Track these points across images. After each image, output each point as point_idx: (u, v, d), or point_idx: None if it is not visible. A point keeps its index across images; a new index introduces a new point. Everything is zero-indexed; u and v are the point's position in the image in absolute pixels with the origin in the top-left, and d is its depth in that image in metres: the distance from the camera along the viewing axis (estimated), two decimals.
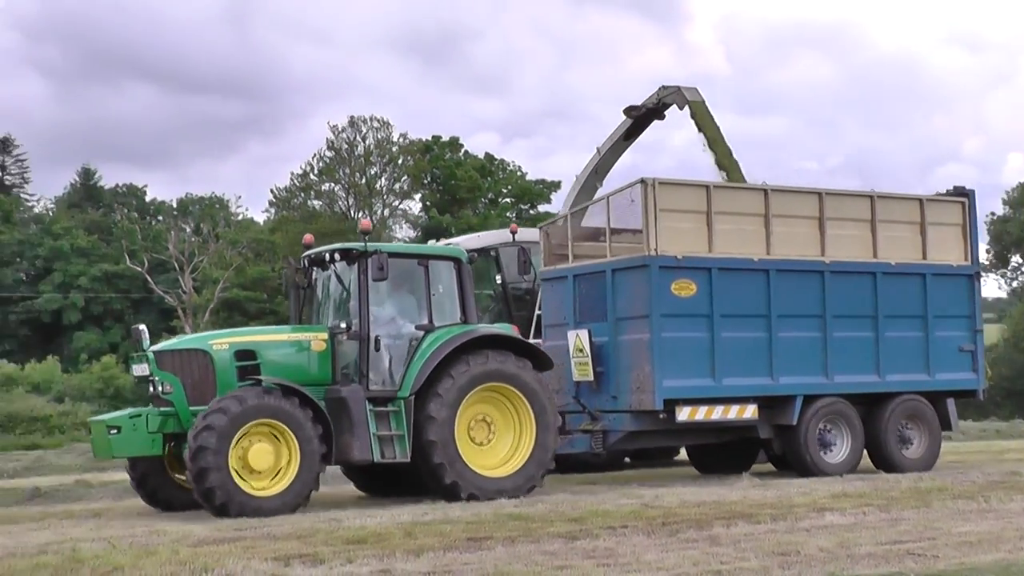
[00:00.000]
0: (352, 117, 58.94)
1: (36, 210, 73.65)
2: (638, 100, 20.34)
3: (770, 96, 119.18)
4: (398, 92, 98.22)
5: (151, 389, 13.36)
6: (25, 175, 76.17)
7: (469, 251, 16.23)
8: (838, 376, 16.25)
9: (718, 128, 19.61)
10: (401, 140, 59.59)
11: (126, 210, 71.49)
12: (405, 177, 59.61)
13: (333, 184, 59.39)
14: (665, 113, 20.41)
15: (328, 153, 58.58)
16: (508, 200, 61.66)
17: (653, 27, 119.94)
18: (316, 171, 58.82)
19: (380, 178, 59.36)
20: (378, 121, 59.04)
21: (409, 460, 13.59)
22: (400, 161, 59.20)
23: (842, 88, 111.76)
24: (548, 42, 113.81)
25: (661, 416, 15.18)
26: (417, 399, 13.60)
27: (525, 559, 9.40)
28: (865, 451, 16.74)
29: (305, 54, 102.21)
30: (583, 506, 12.63)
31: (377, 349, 13.81)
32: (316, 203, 59.40)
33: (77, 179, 75.91)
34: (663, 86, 20.07)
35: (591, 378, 15.83)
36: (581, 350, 15.97)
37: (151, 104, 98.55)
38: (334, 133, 58.40)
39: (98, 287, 61.63)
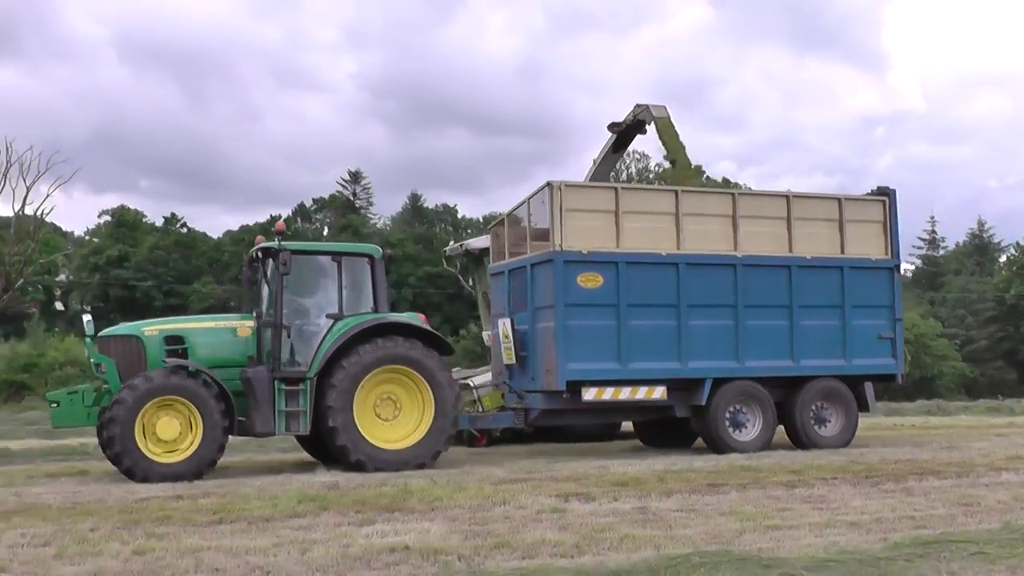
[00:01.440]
0: None
1: (378, 226, 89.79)
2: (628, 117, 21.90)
3: (959, 127, 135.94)
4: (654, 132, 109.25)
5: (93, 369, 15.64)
6: (370, 199, 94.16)
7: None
8: (750, 361, 17.55)
9: (679, 142, 20.94)
10: (656, 168, 73.14)
11: (443, 224, 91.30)
12: None
13: None
14: (646, 128, 21.80)
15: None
16: None
17: (862, 72, 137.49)
18: None
19: None
20: (639, 154, 74.84)
21: (309, 432, 15.56)
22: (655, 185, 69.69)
23: (1019, 119, 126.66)
24: (776, 87, 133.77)
25: (564, 396, 16.80)
26: (321, 379, 15.47)
27: (754, 502, 11.62)
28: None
29: (584, 102, 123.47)
30: (801, 460, 15.44)
31: (289, 335, 15.70)
32: None
33: (408, 201, 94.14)
34: (637, 104, 21.53)
35: (514, 361, 17.59)
36: (507, 337, 17.72)
37: (465, 143, 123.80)
38: None
39: (422, 285, 73.71)
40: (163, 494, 12.73)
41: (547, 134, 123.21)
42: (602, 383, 16.79)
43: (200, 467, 14.77)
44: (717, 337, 17.45)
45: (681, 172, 20.62)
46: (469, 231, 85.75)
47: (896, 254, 18.75)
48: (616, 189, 17.25)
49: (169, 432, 14.73)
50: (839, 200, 18.69)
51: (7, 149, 43.15)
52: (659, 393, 17.08)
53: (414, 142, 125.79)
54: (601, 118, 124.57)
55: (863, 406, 18.53)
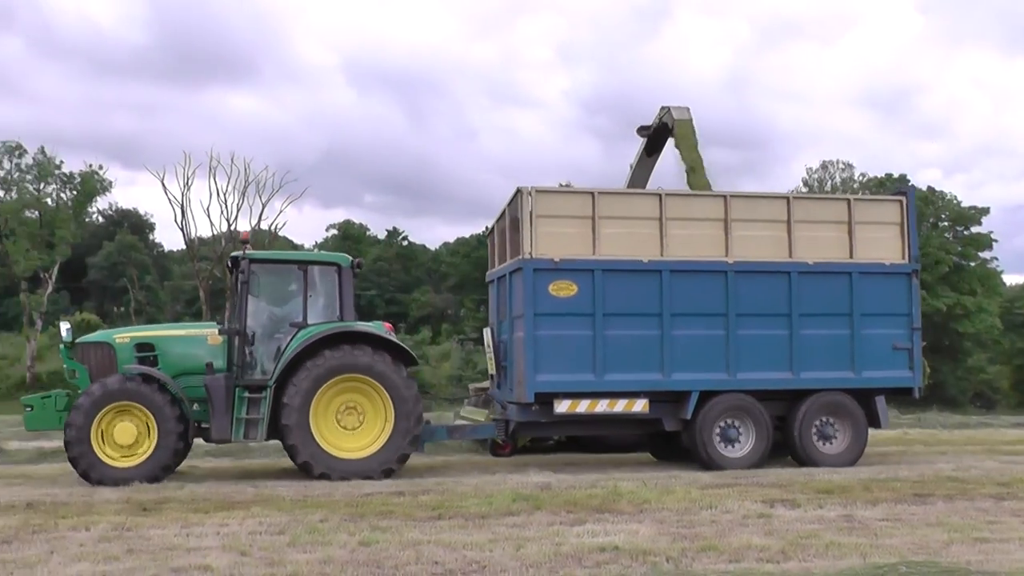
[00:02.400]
0: (823, 161, 75.66)
1: None
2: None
3: None
4: (860, 139, 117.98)
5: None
6: None
7: None
8: (742, 373, 16.61)
9: (697, 151, 20.05)
10: (860, 178, 72.27)
11: None
12: None
13: None
14: (648, 128, 20.96)
15: (803, 189, 71.47)
16: (946, 223, 67.74)
17: None
18: None
19: None
20: (843, 164, 74.85)
21: (266, 440, 15.52)
22: (859, 194, 71.07)
23: None
24: (985, 92, 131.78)
25: (533, 408, 16.25)
26: (280, 387, 15.42)
27: (961, 513, 11.75)
28: None
29: (789, 112, 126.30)
30: (1010, 473, 15.48)
31: (252, 343, 15.77)
32: None
33: None
34: (662, 107, 20.77)
35: (495, 372, 17.11)
36: (489, 347, 17.26)
37: (673, 155, 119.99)
38: (808, 174, 74.04)
39: None
40: (386, 490, 13.75)
41: (753, 144, 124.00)
42: (576, 395, 16.15)
43: (155, 472, 14.99)
44: (705, 348, 16.56)
45: (696, 182, 19.71)
46: None
47: (914, 258, 17.40)
48: (593, 194, 16.53)
49: (126, 437, 15.06)
50: (848, 201, 17.46)
51: (245, 169, 46.66)
52: (640, 406, 16.33)
53: (624, 156, 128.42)
54: (806, 127, 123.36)
55: (874, 422, 17.30)
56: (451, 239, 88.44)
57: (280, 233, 52.42)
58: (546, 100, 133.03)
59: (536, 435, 18.14)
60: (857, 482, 14.19)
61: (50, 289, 57.67)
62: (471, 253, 74.11)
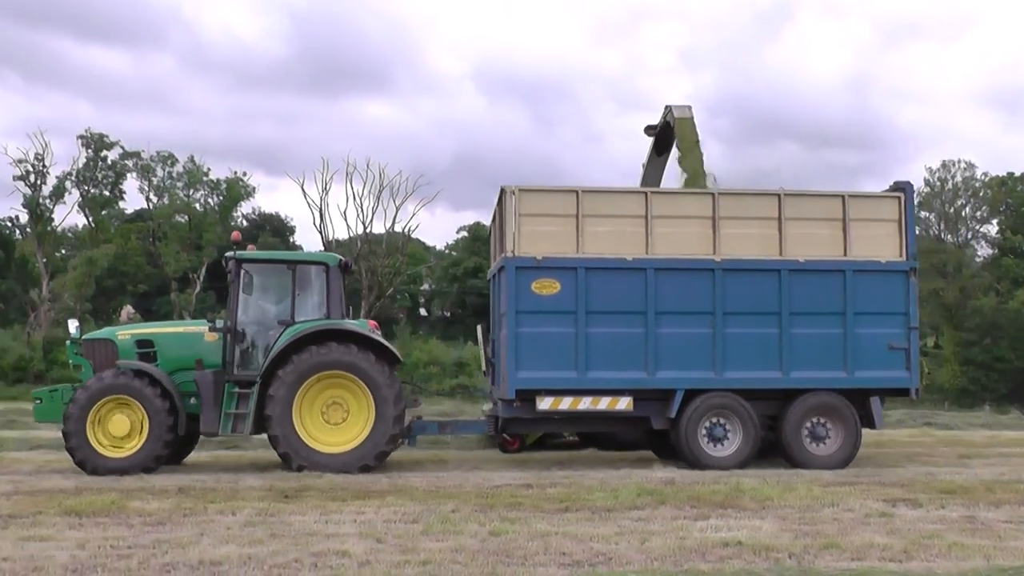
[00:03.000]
0: (944, 161, 74.36)
1: None
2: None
3: None
4: (982, 138, 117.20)
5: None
6: None
7: None
8: (729, 372, 16.50)
9: (697, 149, 19.92)
10: (983, 177, 73.04)
11: None
12: (984, 207, 73.40)
13: (928, 213, 72.79)
14: (655, 127, 20.85)
15: (925, 189, 71.95)
16: None
17: None
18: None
19: (965, 207, 73.83)
20: (965, 163, 73.88)
21: (252, 433, 15.99)
22: (981, 194, 73.00)
23: None
24: None
25: (515, 405, 16.41)
26: (266, 382, 15.88)
27: None
28: None
29: (910, 112, 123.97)
30: None
31: (243, 340, 16.27)
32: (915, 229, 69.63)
33: None
34: (666, 106, 20.69)
35: (486, 368, 17.33)
36: (480, 343, 17.49)
37: (794, 156, 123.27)
38: (928, 174, 73.51)
39: None
40: (515, 483, 14.34)
41: (874, 145, 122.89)
42: (559, 392, 16.25)
43: (146, 462, 15.60)
44: (691, 346, 16.49)
45: (690, 180, 19.61)
46: None
47: (912, 256, 17.05)
48: (577, 192, 16.61)
49: (120, 429, 15.71)
50: (843, 197, 17.16)
51: (380, 174, 48.50)
52: (624, 404, 16.36)
53: (745, 156, 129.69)
54: (927, 127, 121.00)
55: (869, 423, 17.03)
56: None
57: (413, 235, 53.87)
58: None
59: (527, 431, 18.26)
60: (979, 483, 14.21)
61: (198, 288, 60.61)
62: None
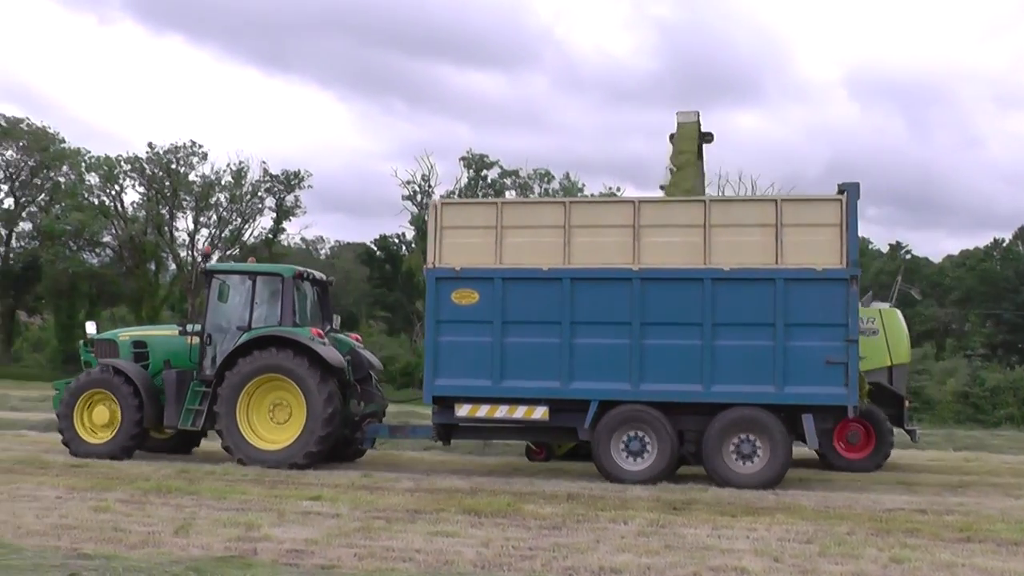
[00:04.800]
0: None
1: None
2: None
3: None
4: None
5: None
6: None
7: None
8: (646, 384, 16.15)
9: (694, 152, 19.29)
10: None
11: None
12: None
13: None
14: (709, 134, 20.24)
15: None
16: None
17: None
18: None
19: None
20: None
21: (201, 428, 17.69)
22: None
23: None
24: None
25: (434, 411, 16.94)
26: (218, 382, 17.53)
27: None
28: None
29: None
30: None
31: (210, 343, 18.00)
32: None
33: None
34: (676, 112, 20.27)
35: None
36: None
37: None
38: None
39: None
40: (908, 507, 14.04)
41: None
42: (476, 400, 16.65)
43: (115, 449, 17.71)
44: (607, 357, 16.30)
45: (675, 181, 18.98)
46: None
47: (853, 262, 15.85)
48: (497, 204, 16.94)
49: (101, 419, 18.03)
50: (776, 202, 16.27)
51: (752, 185, 51.66)
52: (540, 413, 16.50)
53: None
54: None
55: (803, 441, 16.03)
56: (955, 251, 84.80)
57: None
58: None
59: (461, 438, 18.55)
60: None
61: None
62: (977, 266, 71.93)
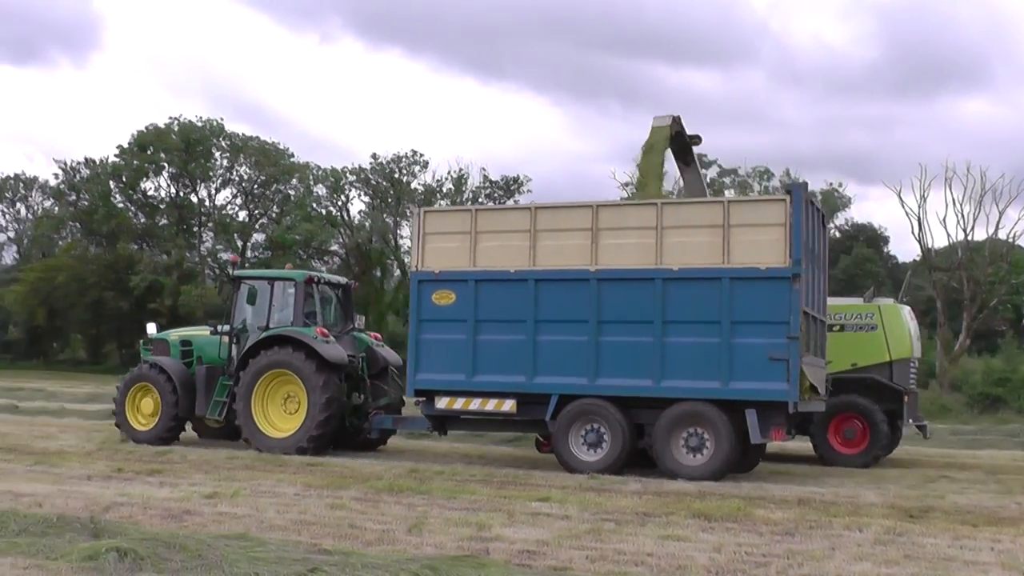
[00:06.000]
0: None
1: None
2: None
3: None
4: None
5: None
6: None
7: None
8: (602, 379, 17.01)
9: (657, 163, 19.62)
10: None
11: None
12: None
13: None
14: (696, 136, 20.60)
15: None
16: None
17: None
18: None
19: None
20: None
21: (224, 418, 19.75)
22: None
23: None
24: None
25: (416, 403, 18.28)
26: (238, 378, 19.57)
27: None
28: None
29: None
30: None
31: (238, 342, 19.97)
32: None
33: None
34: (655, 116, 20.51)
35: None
36: None
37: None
38: None
39: None
40: None
41: None
42: (453, 393, 17.94)
43: (159, 436, 20.00)
44: (568, 353, 17.26)
45: (643, 179, 19.38)
46: None
47: (796, 261, 16.09)
48: (472, 211, 18.13)
49: (147, 409, 20.45)
50: (724, 203, 16.75)
51: (981, 177, 49.81)
52: (508, 406, 17.61)
53: None
54: None
55: (747, 436, 16.37)
56: None
57: (1019, 242, 51.81)
58: None
59: (455, 429, 19.57)
60: None
61: None
62: None
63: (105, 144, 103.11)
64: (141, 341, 22.12)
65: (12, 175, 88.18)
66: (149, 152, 71.35)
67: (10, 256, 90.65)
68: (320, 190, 71.49)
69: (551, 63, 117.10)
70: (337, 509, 12.17)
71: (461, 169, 68.92)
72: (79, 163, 74.40)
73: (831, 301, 22.34)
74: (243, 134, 73.04)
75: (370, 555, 9.16)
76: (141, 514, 11.37)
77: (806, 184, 16.51)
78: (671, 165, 20.87)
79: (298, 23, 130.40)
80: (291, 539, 10.04)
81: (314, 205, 70.72)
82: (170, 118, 72.33)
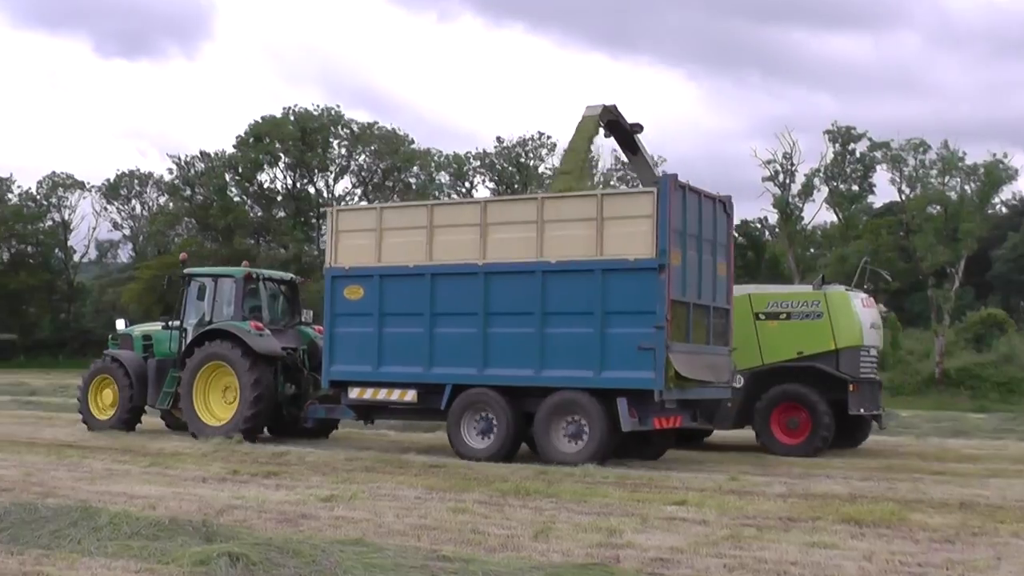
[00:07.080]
0: None
1: None
2: None
3: None
4: None
5: None
6: None
7: None
8: (491, 369, 17.61)
9: (582, 151, 19.78)
10: None
11: None
12: None
13: None
14: (637, 124, 20.63)
15: None
16: None
17: None
18: None
19: None
20: None
21: (171, 407, 20.99)
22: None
23: None
24: None
25: (330, 393, 19.15)
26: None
27: None
28: None
29: None
30: None
31: (186, 336, 21.28)
32: None
33: None
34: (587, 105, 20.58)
35: None
36: None
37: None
38: None
39: None
40: None
41: None
42: (362, 384, 18.78)
43: (116, 423, 21.59)
44: (460, 345, 17.89)
45: (561, 178, 19.59)
46: None
47: (662, 252, 16.32)
48: (378, 209, 18.86)
49: (107, 399, 22.06)
50: (598, 197, 17.06)
51: None
52: (410, 396, 18.36)
53: None
54: None
55: (618, 423, 16.69)
56: None
57: None
58: None
59: (380, 418, 20.21)
60: None
61: (956, 284, 59.16)
62: None
63: (219, 137, 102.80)
64: (110, 335, 23.53)
65: (127, 171, 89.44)
66: (265, 142, 72.88)
67: (126, 254, 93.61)
68: (443, 177, 71.39)
69: (684, 33, 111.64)
70: (459, 513, 11.68)
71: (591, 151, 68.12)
72: (194, 157, 76.34)
73: (779, 289, 22.45)
74: (362, 121, 73.80)
75: (492, 562, 8.80)
76: (255, 518, 11.15)
77: (675, 176, 16.71)
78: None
79: (414, 1, 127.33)
80: (410, 545, 9.65)
81: (436, 193, 70.25)
82: (285, 107, 73.37)
